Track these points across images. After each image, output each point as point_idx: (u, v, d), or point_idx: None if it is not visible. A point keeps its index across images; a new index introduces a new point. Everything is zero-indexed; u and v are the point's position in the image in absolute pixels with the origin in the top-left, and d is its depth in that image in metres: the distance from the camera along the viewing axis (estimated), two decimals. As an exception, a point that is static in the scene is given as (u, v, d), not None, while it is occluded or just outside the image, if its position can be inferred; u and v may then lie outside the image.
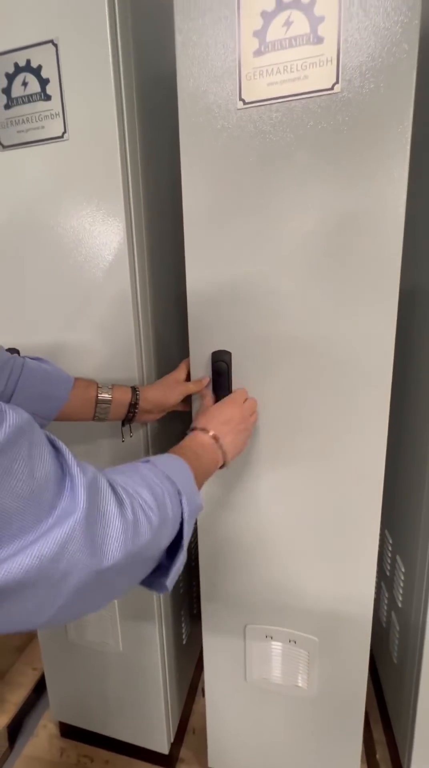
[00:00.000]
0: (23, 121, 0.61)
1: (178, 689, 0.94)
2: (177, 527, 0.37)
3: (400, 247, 0.51)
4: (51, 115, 0.60)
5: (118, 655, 0.86)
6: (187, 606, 0.99)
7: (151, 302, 0.71)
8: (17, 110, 0.61)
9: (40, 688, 1.12)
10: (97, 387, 0.59)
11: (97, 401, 0.59)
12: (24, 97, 0.61)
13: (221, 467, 0.52)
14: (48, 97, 0.60)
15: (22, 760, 0.97)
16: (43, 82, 0.59)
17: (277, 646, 0.74)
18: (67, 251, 0.65)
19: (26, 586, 0.23)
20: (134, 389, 0.62)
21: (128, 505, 0.30)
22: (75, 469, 0.28)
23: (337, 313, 0.55)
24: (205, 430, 0.51)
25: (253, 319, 0.60)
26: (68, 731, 0.99)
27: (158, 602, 0.81)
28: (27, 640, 1.23)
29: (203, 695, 0.84)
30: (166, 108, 0.67)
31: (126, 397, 0.60)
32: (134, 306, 0.66)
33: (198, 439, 0.50)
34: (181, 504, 0.37)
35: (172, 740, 0.91)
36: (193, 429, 0.52)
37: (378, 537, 0.63)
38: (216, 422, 0.53)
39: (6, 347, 0.72)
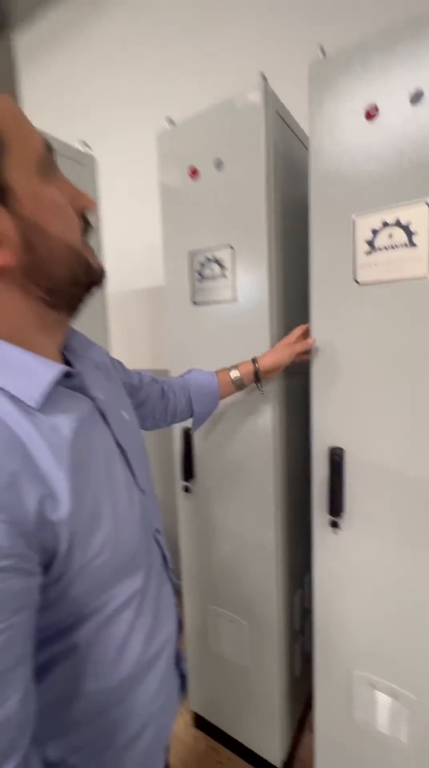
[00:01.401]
0: (209, 290, 0.97)
1: (290, 712, 1.11)
2: None
3: None
4: (226, 287, 0.94)
5: (243, 667, 1.09)
6: (301, 645, 1.16)
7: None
8: (205, 283, 0.98)
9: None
10: (228, 371, 0.84)
11: (233, 380, 0.84)
12: (210, 276, 0.96)
13: None
14: (225, 277, 0.94)
15: (165, 735, 1.26)
16: (223, 268, 0.94)
17: (379, 696, 0.87)
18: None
19: None
20: (254, 361, 0.84)
21: None
22: None
23: (430, 430, 0.73)
24: None
25: (364, 425, 0.80)
26: (200, 723, 1.24)
27: (279, 634, 1.01)
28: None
29: (311, 731, 0.98)
30: (302, 275, 0.95)
31: (250, 368, 0.84)
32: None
33: None
34: None
35: (284, 759, 1.08)
36: None
37: None
38: None
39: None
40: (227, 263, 0.93)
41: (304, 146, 1.02)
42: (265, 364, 0.84)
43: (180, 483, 1.12)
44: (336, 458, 0.83)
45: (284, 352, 0.84)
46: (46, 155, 0.39)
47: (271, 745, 1.08)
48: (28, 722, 0.33)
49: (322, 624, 0.93)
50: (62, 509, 0.36)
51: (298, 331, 0.86)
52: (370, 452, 0.80)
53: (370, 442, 0.80)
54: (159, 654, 0.50)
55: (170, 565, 0.57)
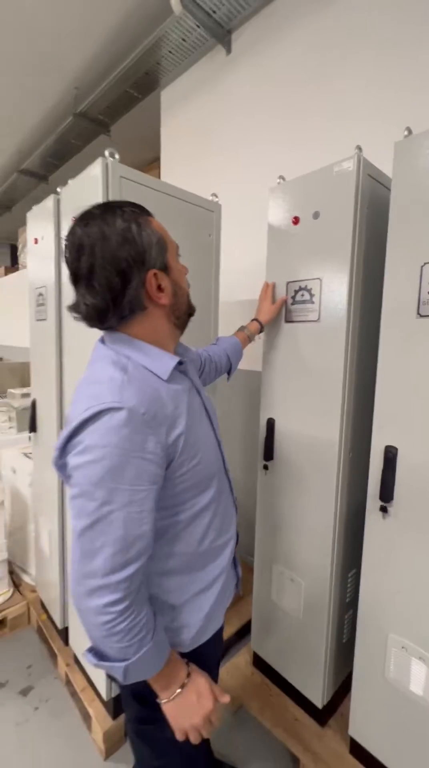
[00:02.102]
0: (299, 311, 1.23)
1: (334, 668, 1.31)
2: (110, 662, 0.62)
3: None
4: (313, 310, 1.19)
5: (298, 620, 1.32)
6: (351, 614, 1.35)
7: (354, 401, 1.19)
8: (297, 306, 1.24)
9: (242, 632, 1.70)
10: (243, 331, 1.26)
11: (248, 336, 1.26)
12: (301, 300, 1.22)
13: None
14: (313, 302, 1.19)
15: (228, 665, 1.55)
16: (311, 295, 1.19)
17: (411, 659, 1.04)
18: (315, 379, 1.22)
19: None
20: (256, 320, 1.27)
21: (125, 618, 0.59)
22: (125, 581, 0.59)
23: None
24: (174, 688, 0.68)
25: (416, 430, 0.99)
26: (258, 662, 1.51)
27: (330, 600, 1.23)
28: (236, 599, 1.85)
29: None
30: (373, 302, 1.15)
31: (257, 326, 1.27)
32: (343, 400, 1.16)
33: (175, 677, 0.68)
34: (120, 662, 0.61)
35: (325, 702, 1.29)
36: (184, 682, 0.69)
37: None
38: (180, 699, 0.68)
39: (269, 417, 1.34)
40: (316, 291, 1.18)
41: (386, 188, 1.21)
42: (265, 320, 1.29)
43: (261, 463, 1.40)
44: (390, 455, 1.03)
45: (273, 311, 1.28)
46: (177, 249, 0.77)
47: (315, 690, 1.30)
48: (150, 545, 0.64)
49: (367, 590, 1.12)
50: (178, 432, 0.67)
51: (265, 290, 1.30)
52: (420, 453, 0.98)
53: (419, 445, 0.98)
54: (225, 545, 0.81)
55: (234, 494, 0.88)
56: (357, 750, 1.19)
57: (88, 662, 0.65)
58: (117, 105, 2.88)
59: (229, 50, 2.18)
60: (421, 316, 0.96)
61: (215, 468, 0.78)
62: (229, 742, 1.35)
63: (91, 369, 0.70)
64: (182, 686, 0.68)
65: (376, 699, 1.12)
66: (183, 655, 0.74)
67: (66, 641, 1.62)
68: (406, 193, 0.97)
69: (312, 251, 1.19)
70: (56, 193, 1.41)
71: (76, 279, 0.68)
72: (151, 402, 0.64)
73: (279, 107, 1.96)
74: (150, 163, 3.68)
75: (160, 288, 0.70)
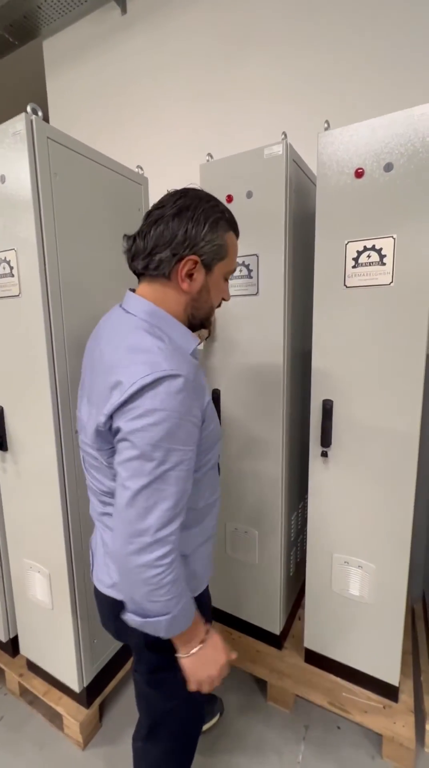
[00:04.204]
0: (238, 286, 1.32)
1: (285, 599, 1.51)
2: (146, 613, 0.65)
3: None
4: (252, 284, 1.29)
5: (253, 565, 1.48)
6: (294, 552, 1.56)
7: (290, 361, 1.34)
8: (235, 281, 1.32)
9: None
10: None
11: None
12: (239, 276, 1.31)
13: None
14: (251, 277, 1.29)
15: (189, 625, 1.64)
16: (249, 270, 1.29)
17: (350, 569, 1.28)
18: (256, 348, 1.33)
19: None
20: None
21: (169, 575, 0.63)
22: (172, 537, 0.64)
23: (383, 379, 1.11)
24: (195, 644, 0.72)
25: (346, 385, 1.18)
26: (217, 614, 1.64)
27: (280, 540, 1.41)
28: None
29: (301, 620, 1.37)
30: (306, 277, 1.30)
31: (206, 332, 1.32)
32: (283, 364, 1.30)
33: (197, 633, 0.72)
34: (164, 616, 0.65)
35: (281, 629, 1.48)
36: (202, 641, 0.73)
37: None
38: (200, 654, 0.72)
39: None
40: (253, 267, 1.28)
41: (312, 182, 1.37)
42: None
43: (208, 431, 1.48)
44: (327, 406, 1.21)
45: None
46: (231, 274, 0.83)
47: (272, 620, 1.49)
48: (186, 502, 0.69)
49: (314, 522, 1.32)
50: (207, 399, 0.74)
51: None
52: (350, 404, 1.19)
53: (350, 397, 1.18)
54: (216, 501, 0.89)
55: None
56: (311, 657, 1.42)
57: (130, 622, 0.68)
58: (-15, 48, 2.46)
59: (124, 9, 2.06)
60: (347, 287, 1.14)
61: (220, 432, 0.85)
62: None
63: (130, 337, 0.70)
64: (202, 642, 0.73)
65: (325, 608, 1.35)
66: None
67: (14, 652, 1.49)
68: (330, 181, 1.12)
69: (247, 228, 1.27)
70: None
71: (149, 216, 0.74)
72: (194, 371, 0.68)
73: (189, 80, 1.95)
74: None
75: (190, 276, 0.74)
